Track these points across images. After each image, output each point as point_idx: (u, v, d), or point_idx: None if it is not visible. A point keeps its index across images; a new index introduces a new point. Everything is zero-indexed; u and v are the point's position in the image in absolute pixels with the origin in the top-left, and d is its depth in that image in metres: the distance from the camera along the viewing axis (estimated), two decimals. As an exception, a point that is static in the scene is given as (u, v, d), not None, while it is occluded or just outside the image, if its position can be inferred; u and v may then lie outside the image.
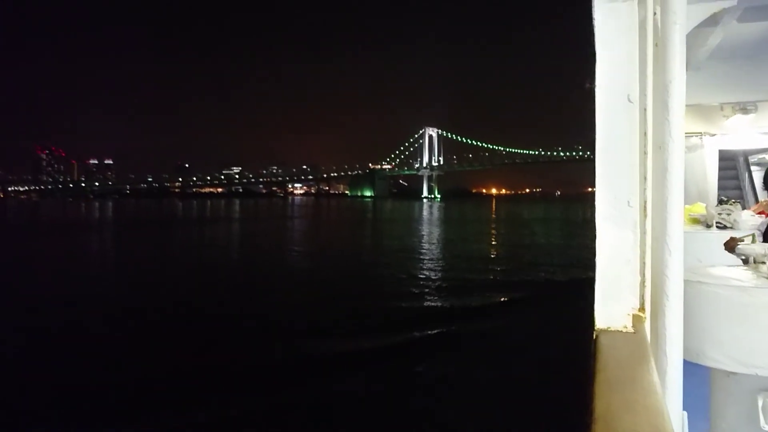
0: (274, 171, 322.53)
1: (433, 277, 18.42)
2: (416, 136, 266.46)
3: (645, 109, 1.28)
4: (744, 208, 4.52)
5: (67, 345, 10.29)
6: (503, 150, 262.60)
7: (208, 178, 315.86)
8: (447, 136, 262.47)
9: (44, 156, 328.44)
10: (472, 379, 8.40)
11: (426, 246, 29.99)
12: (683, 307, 1.28)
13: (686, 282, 1.38)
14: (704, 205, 4.36)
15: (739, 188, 7.71)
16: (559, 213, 72.83)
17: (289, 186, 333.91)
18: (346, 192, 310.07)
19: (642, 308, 1.29)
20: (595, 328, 1.26)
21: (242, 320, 12.22)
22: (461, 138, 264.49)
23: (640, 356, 1.09)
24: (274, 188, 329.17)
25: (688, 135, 6.24)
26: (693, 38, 3.59)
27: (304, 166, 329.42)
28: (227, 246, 32.65)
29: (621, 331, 1.25)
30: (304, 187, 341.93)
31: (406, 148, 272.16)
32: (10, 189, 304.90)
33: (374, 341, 10.27)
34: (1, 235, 40.51)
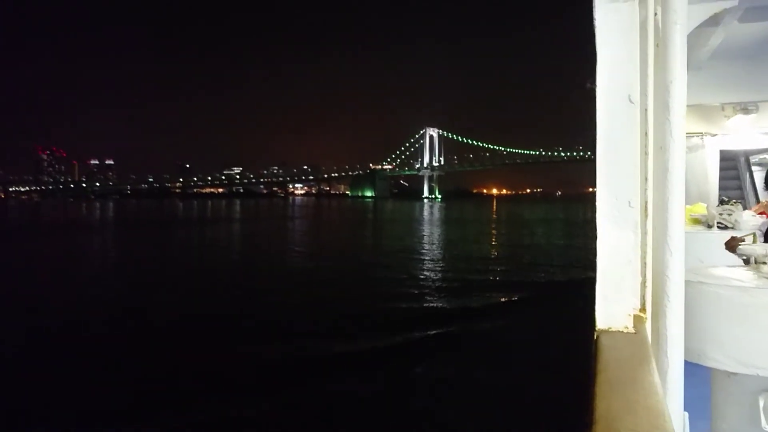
0: (275, 171, 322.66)
1: (434, 278, 18.41)
2: (417, 136, 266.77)
3: (646, 110, 1.27)
4: (745, 208, 4.51)
5: (67, 345, 10.29)
6: (504, 150, 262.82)
7: (209, 178, 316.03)
8: (448, 136, 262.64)
9: (45, 156, 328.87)
10: (472, 380, 8.40)
11: (426, 246, 29.99)
12: (684, 307, 1.28)
13: (687, 282, 1.38)
14: (705, 205, 4.35)
15: (740, 188, 7.70)
16: (560, 213, 72.80)
17: (290, 186, 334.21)
18: (347, 192, 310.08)
19: (643, 309, 1.28)
20: (596, 328, 1.26)
21: (242, 320, 12.23)
22: (462, 138, 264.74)
23: (641, 357, 1.09)
24: (275, 188, 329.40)
25: (689, 135, 6.23)
26: (694, 38, 3.59)
27: (305, 167, 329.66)
28: (228, 246, 32.65)
29: (622, 332, 1.25)
30: (305, 188, 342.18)
31: (407, 149, 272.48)
32: (11, 189, 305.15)
33: (374, 341, 10.27)
34: (2, 236, 40.50)
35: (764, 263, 2.14)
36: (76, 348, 10.06)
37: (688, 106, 1.26)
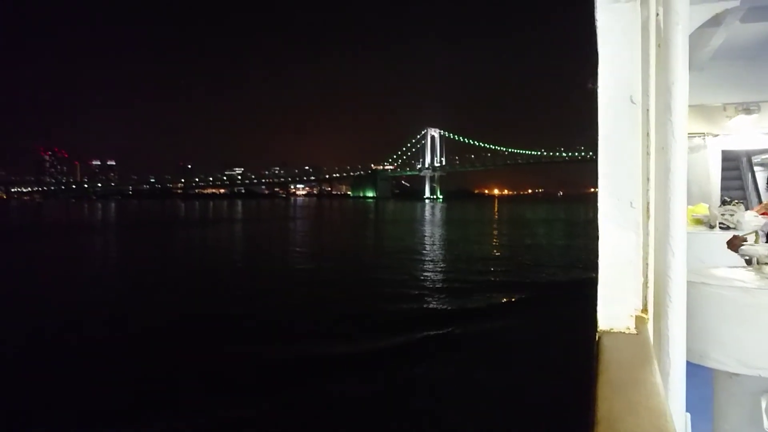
0: (277, 172, 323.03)
1: (435, 278, 18.40)
2: (418, 136, 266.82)
3: (647, 110, 1.27)
4: (747, 208, 4.51)
5: (67, 345, 10.31)
6: (505, 150, 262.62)
7: (211, 178, 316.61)
8: (449, 136, 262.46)
9: (47, 157, 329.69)
10: (472, 380, 8.38)
11: (428, 247, 29.97)
12: (686, 308, 1.28)
13: (689, 283, 1.37)
14: (707, 205, 4.35)
15: (742, 189, 7.70)
16: (562, 213, 72.71)
17: (291, 187, 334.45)
18: (349, 193, 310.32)
19: (645, 309, 1.28)
20: (598, 329, 1.26)
21: (243, 321, 12.23)
22: (463, 138, 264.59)
23: (643, 358, 1.09)
24: (277, 189, 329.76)
25: (691, 135, 6.23)
26: (696, 39, 3.59)
27: (306, 167, 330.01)
28: (229, 247, 32.67)
29: (624, 333, 1.25)
30: (306, 188, 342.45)
31: (408, 149, 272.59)
32: (13, 190, 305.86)
33: (375, 342, 10.26)
34: (4, 236, 40.61)
35: (766, 264, 2.14)
36: (76, 348, 10.08)
37: (689, 106, 1.26)
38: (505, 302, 14.35)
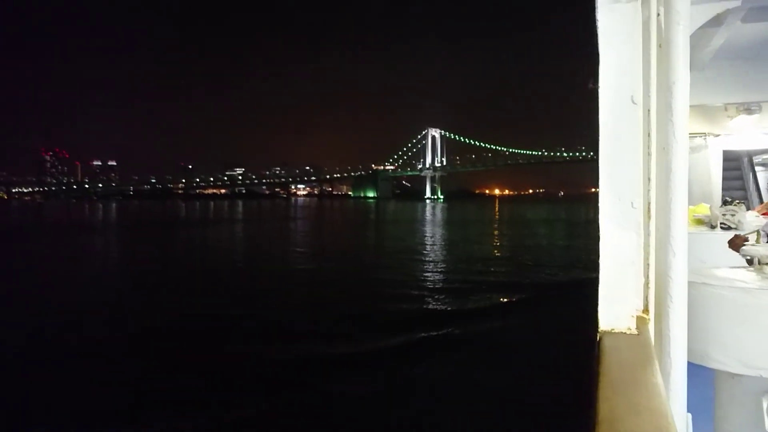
0: (277, 172, 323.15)
1: (435, 279, 18.39)
2: (419, 136, 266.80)
3: (649, 110, 1.27)
4: (748, 208, 4.51)
5: (67, 345, 10.31)
6: (506, 150, 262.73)
7: (211, 179, 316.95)
8: (450, 136, 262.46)
9: (48, 157, 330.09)
10: (473, 381, 8.38)
11: (428, 247, 29.96)
12: (687, 308, 1.28)
13: (690, 283, 1.37)
14: (708, 205, 4.35)
15: (744, 189, 7.69)
16: (563, 214, 72.66)
17: (292, 187, 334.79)
18: (349, 193, 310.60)
19: (646, 310, 1.28)
20: (599, 329, 1.26)
21: (243, 321, 12.23)
22: (464, 139, 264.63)
23: (644, 358, 1.09)
24: (277, 189, 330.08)
25: (692, 135, 6.22)
26: (697, 39, 3.59)
27: (307, 167, 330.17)
28: (229, 247, 32.67)
29: (625, 333, 1.25)
30: (307, 188, 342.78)
31: (409, 149, 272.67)
32: (14, 190, 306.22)
33: (374, 342, 10.25)
34: (5, 236, 40.66)
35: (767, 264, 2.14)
36: (76, 348, 10.08)
37: (690, 106, 1.26)
38: (505, 302, 14.34)
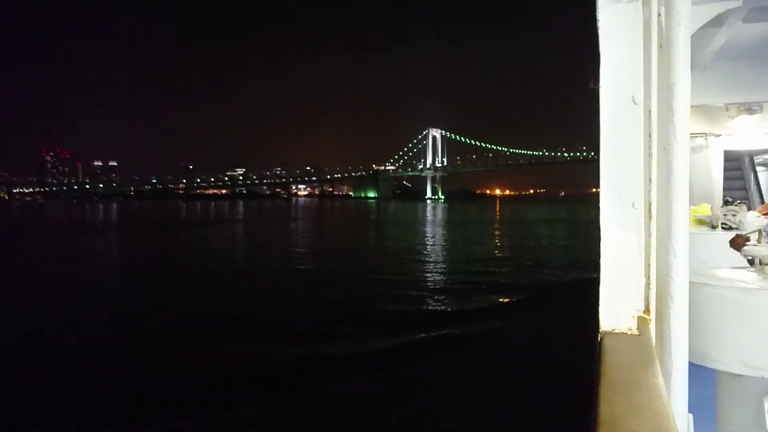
0: (278, 172, 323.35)
1: (436, 279, 18.39)
2: (420, 137, 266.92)
3: (650, 111, 1.27)
4: (749, 208, 4.50)
5: (67, 345, 10.32)
6: (507, 151, 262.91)
7: (212, 179, 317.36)
8: (450, 137, 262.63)
9: (49, 158, 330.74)
10: (473, 381, 8.37)
11: (429, 248, 29.96)
12: (688, 309, 1.27)
13: (691, 284, 1.37)
14: (709, 206, 4.35)
15: (745, 189, 7.68)
16: (563, 214, 72.63)
17: (293, 187, 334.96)
18: (350, 193, 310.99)
19: (647, 310, 1.28)
20: (600, 330, 1.26)
21: (243, 321, 12.23)
22: (464, 139, 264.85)
23: (645, 359, 1.09)
24: (278, 189, 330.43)
25: (693, 136, 6.22)
26: (698, 39, 3.59)
27: (308, 168, 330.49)
28: (230, 247, 32.67)
29: (626, 334, 1.25)
30: (308, 189, 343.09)
31: (410, 149, 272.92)
32: (15, 191, 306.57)
33: (375, 342, 10.25)
34: (6, 237, 40.71)
35: (769, 264, 2.13)
36: (76, 348, 10.09)
37: (691, 106, 1.26)
38: (505, 303, 14.33)
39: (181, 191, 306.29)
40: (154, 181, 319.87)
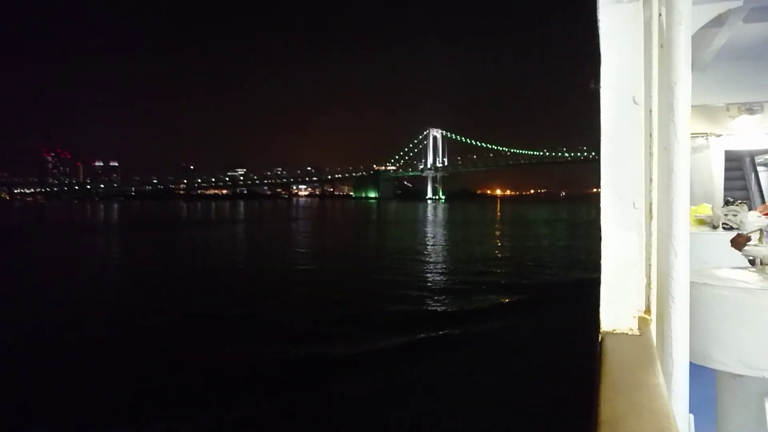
0: (279, 173, 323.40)
1: (436, 279, 18.39)
2: (420, 137, 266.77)
3: (650, 111, 1.27)
4: (750, 208, 4.50)
5: (67, 345, 10.33)
6: (508, 151, 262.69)
7: (213, 179, 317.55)
8: (451, 137, 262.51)
9: (50, 158, 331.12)
10: (473, 381, 8.37)
11: (430, 248, 29.95)
12: (689, 309, 1.27)
13: (692, 284, 1.37)
14: (710, 206, 4.34)
15: (746, 189, 7.67)
16: (564, 214, 72.58)
17: (294, 188, 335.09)
18: (351, 193, 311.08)
19: (648, 310, 1.28)
20: (601, 330, 1.26)
21: (244, 321, 12.23)
22: (465, 139, 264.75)
23: (646, 359, 1.08)
24: (279, 190, 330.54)
25: (694, 136, 6.21)
26: (699, 39, 3.58)
27: (309, 168, 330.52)
28: (231, 248, 32.68)
29: (626, 334, 1.25)
30: (309, 189, 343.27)
31: (411, 150, 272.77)
32: (16, 191, 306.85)
33: (375, 342, 10.25)
34: (7, 237, 40.75)
35: (770, 264, 2.13)
36: (76, 348, 10.09)
37: (692, 106, 1.26)
38: (506, 303, 14.32)
39: (181, 191, 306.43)
40: (155, 181, 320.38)
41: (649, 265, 1.29)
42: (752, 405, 2.01)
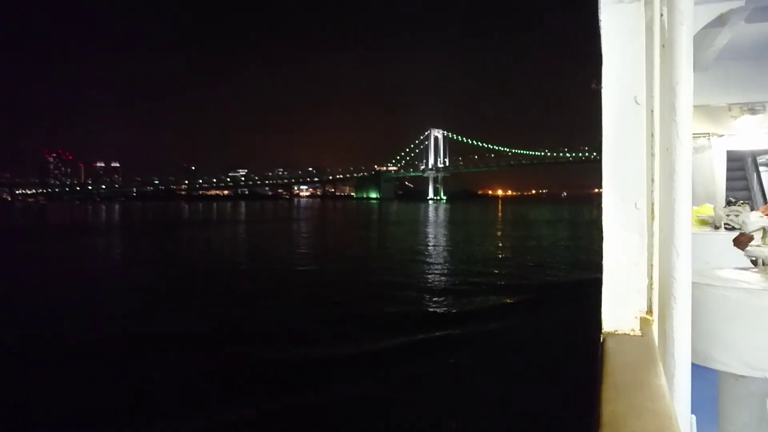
0: (280, 173, 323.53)
1: (437, 280, 18.38)
2: (422, 137, 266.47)
3: (652, 111, 1.27)
4: (752, 209, 4.48)
5: (67, 345, 10.34)
6: (509, 151, 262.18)
7: (214, 180, 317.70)
8: (452, 137, 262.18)
9: (51, 159, 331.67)
10: (473, 382, 8.36)
11: (431, 248, 29.96)
12: (691, 309, 1.27)
13: (694, 284, 1.37)
14: (712, 206, 4.33)
15: (748, 189, 7.64)
16: (566, 214, 72.46)
17: (295, 188, 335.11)
18: (352, 194, 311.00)
19: (650, 311, 1.27)
20: (602, 331, 1.25)
21: (245, 322, 12.25)
22: (467, 139, 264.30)
23: (648, 359, 1.08)
24: (280, 190, 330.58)
25: (696, 136, 6.20)
26: (700, 39, 3.58)
27: (310, 168, 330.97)
28: (232, 248, 32.72)
29: (628, 334, 1.24)
30: (310, 189, 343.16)
31: (412, 150, 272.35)
32: (17, 192, 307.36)
33: (375, 343, 10.26)
34: (8, 238, 40.82)
35: (772, 265, 2.12)
36: (76, 348, 10.11)
37: (694, 106, 1.25)
38: (507, 303, 14.32)
39: (183, 192, 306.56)
40: (156, 182, 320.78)
41: (651, 265, 1.29)
42: (754, 405, 2.01)
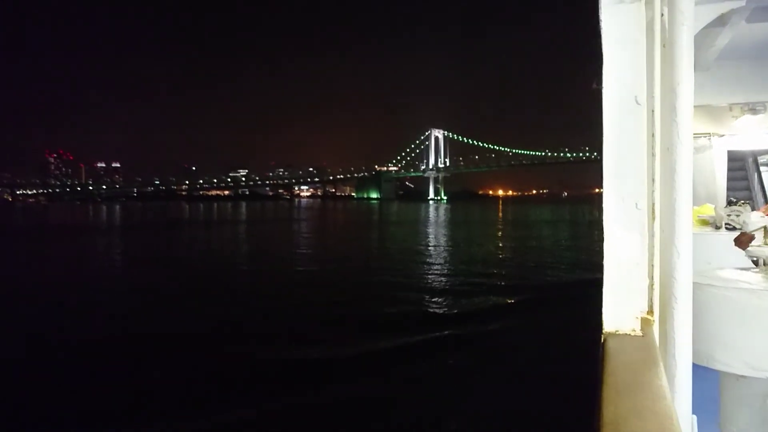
0: (281, 173, 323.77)
1: (437, 280, 18.38)
2: (422, 137, 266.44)
3: (653, 111, 1.26)
4: (753, 209, 4.48)
5: (67, 345, 10.34)
6: (509, 151, 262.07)
7: (215, 180, 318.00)
8: (453, 137, 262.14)
9: (52, 159, 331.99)
10: (474, 382, 8.35)
11: (431, 249, 29.95)
12: (692, 310, 1.27)
13: (695, 285, 1.36)
14: (713, 206, 4.33)
15: (749, 189, 7.63)
16: (566, 214, 72.47)
17: (296, 188, 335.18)
18: (353, 194, 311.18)
19: (651, 311, 1.27)
20: (603, 331, 1.25)
21: (245, 322, 12.25)
22: (467, 139, 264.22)
23: (649, 360, 1.08)
24: (281, 191, 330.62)
25: (697, 136, 6.20)
26: (701, 39, 3.58)
27: (310, 169, 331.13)
28: (232, 248, 32.72)
29: (629, 335, 1.24)
30: (311, 190, 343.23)
31: (412, 150, 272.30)
32: (18, 192, 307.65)
33: (375, 343, 10.25)
34: (9, 238, 40.86)
35: (773, 265, 2.12)
36: (76, 348, 10.11)
37: (695, 106, 1.25)
38: (507, 303, 14.31)
39: (183, 192, 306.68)
40: (156, 182, 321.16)
41: (652, 265, 1.29)
42: (756, 406, 2.01)
